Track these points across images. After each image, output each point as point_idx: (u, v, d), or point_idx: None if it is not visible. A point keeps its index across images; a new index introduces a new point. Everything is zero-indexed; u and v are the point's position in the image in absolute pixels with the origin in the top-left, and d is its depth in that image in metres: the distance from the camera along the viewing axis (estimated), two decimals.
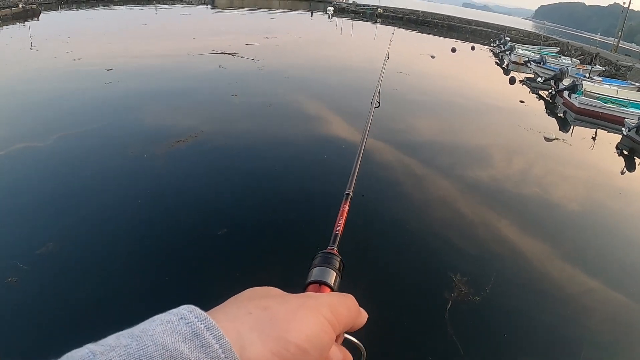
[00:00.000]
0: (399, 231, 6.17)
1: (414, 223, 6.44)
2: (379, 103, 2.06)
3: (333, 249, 0.67)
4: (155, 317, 0.31)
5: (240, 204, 6.41)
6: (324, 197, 6.37)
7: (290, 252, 5.11)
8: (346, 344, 0.49)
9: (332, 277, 0.59)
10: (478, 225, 6.67)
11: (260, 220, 6.00)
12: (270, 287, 0.42)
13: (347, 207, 0.87)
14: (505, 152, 10.36)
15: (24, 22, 23.67)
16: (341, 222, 0.79)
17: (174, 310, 0.32)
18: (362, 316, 0.47)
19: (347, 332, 0.49)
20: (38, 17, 26.21)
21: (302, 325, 0.36)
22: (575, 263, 5.99)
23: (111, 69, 13.24)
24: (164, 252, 5.23)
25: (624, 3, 36.84)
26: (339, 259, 0.63)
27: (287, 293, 0.42)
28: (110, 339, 0.29)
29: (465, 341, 4.24)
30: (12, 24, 22.65)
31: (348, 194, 0.93)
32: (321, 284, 0.58)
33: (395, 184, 7.57)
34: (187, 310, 0.32)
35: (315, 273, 0.60)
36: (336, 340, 0.43)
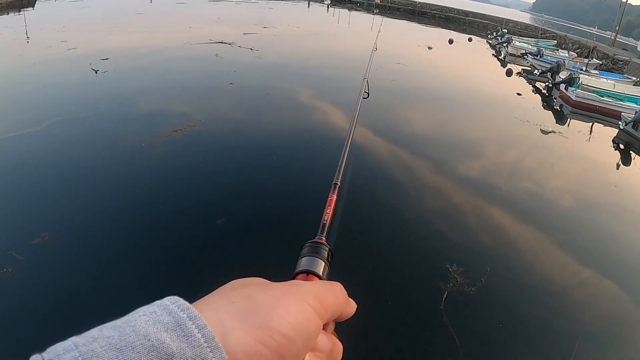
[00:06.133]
0: (395, 222, 6.18)
1: (410, 214, 6.45)
2: (368, 94, 2.06)
3: (321, 239, 0.67)
4: (139, 308, 0.31)
5: (236, 193, 6.40)
6: (321, 186, 6.37)
7: (286, 242, 5.11)
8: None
9: (320, 266, 0.59)
10: (473, 216, 6.70)
11: (257, 210, 6.00)
12: (255, 278, 0.41)
13: (335, 197, 0.87)
14: (501, 144, 10.38)
15: (19, 11, 23.42)
16: (329, 211, 0.80)
17: (157, 302, 0.32)
18: (351, 306, 0.46)
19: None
20: (33, 6, 25.93)
21: (286, 312, 0.36)
22: (571, 256, 6.03)
23: (107, 58, 13.13)
24: (161, 242, 5.23)
25: None
26: (327, 249, 0.63)
27: (272, 282, 0.41)
28: (94, 331, 0.29)
29: (461, 331, 4.27)
30: (7, 13, 22.41)
31: (336, 184, 0.93)
32: (309, 273, 0.58)
33: (391, 175, 7.58)
34: (171, 301, 0.32)
35: (303, 263, 0.60)
36: (325, 329, 0.43)
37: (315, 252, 0.62)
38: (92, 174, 6.48)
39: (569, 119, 13.89)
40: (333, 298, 0.43)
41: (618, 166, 10.61)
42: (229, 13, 32.30)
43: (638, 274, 6.04)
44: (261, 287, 0.39)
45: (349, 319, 0.47)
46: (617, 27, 36.35)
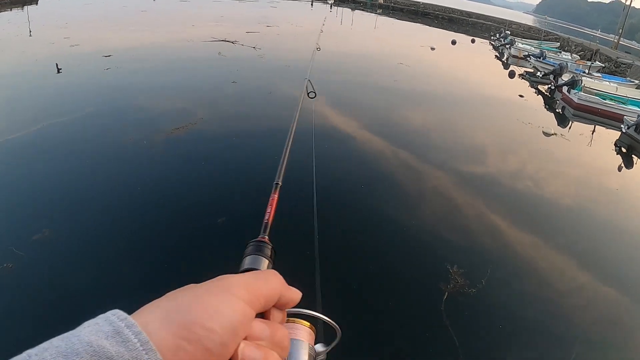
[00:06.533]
0: (396, 223, 6.17)
1: (411, 215, 6.45)
2: (315, 93, 2.09)
3: (264, 238, 0.69)
4: (85, 322, 0.35)
5: (238, 192, 6.39)
6: (324, 185, 6.39)
7: (292, 241, 5.11)
8: (320, 324, 0.53)
9: (264, 264, 0.62)
10: (474, 218, 6.69)
11: (257, 210, 5.99)
12: (190, 284, 0.43)
13: (276, 197, 0.90)
14: (503, 145, 10.37)
15: (22, 7, 23.45)
16: (270, 211, 0.82)
17: (101, 315, 0.35)
18: (293, 292, 0.48)
19: (314, 313, 0.52)
20: (36, 2, 25.98)
21: (205, 306, 0.38)
22: (571, 259, 6.02)
23: (109, 55, 13.14)
24: (161, 239, 5.23)
25: (626, 0, 36.79)
26: (270, 247, 0.66)
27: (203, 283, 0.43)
28: (45, 343, 0.32)
29: (461, 332, 4.27)
30: (10, 9, 22.45)
31: (277, 184, 0.96)
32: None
33: (392, 176, 7.57)
34: (112, 313, 0.35)
35: (247, 262, 0.62)
36: (268, 317, 0.45)
37: (258, 250, 0.64)
38: (93, 171, 6.48)
39: (571, 122, 13.85)
40: (264, 284, 0.44)
41: (620, 169, 10.59)
42: (232, 11, 32.29)
43: (639, 277, 6.02)
44: (188, 288, 0.40)
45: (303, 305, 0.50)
46: (620, 30, 36.31)
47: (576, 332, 4.70)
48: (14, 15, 20.87)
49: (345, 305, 4.42)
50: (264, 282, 0.44)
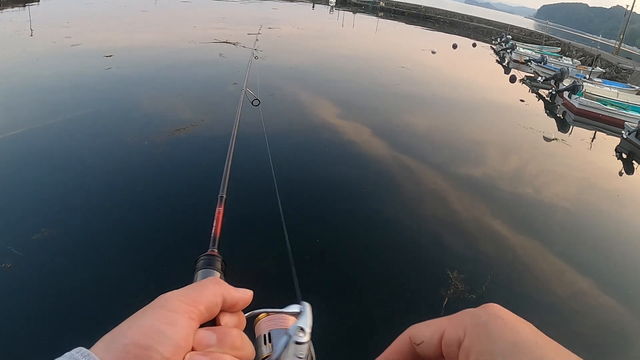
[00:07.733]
0: (396, 227, 6.16)
1: (411, 219, 6.43)
2: (259, 101, 2.11)
3: (214, 251, 0.71)
4: None
5: (238, 193, 6.37)
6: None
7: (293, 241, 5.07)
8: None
9: (216, 277, 0.63)
10: (475, 223, 6.67)
11: (259, 211, 5.97)
12: None
13: (222, 210, 0.91)
14: (504, 150, 10.36)
15: (24, 5, 23.46)
16: (217, 224, 0.85)
17: (66, 354, 0.37)
18: (241, 293, 0.48)
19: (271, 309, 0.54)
20: (38, 1, 25.98)
21: (142, 325, 0.39)
22: (571, 265, 6.00)
23: (110, 55, 13.13)
24: (162, 241, 5.21)
25: (627, 6, 36.92)
26: (220, 260, 0.67)
27: None
28: None
29: None
30: (12, 8, 22.45)
31: (222, 197, 0.96)
32: None
33: (392, 180, 7.55)
34: (76, 351, 0.37)
35: (199, 276, 0.64)
36: (217, 322, 0.46)
37: (209, 264, 0.65)
38: (94, 171, 6.46)
39: (571, 127, 13.86)
40: (200, 293, 0.44)
41: (620, 175, 10.58)
42: (234, 13, 32.32)
43: (639, 284, 6.01)
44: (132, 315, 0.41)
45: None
46: (622, 36, 36.39)
47: (576, 337, 4.68)
48: (16, 14, 20.87)
49: (343, 312, 4.39)
50: (200, 290, 0.45)
